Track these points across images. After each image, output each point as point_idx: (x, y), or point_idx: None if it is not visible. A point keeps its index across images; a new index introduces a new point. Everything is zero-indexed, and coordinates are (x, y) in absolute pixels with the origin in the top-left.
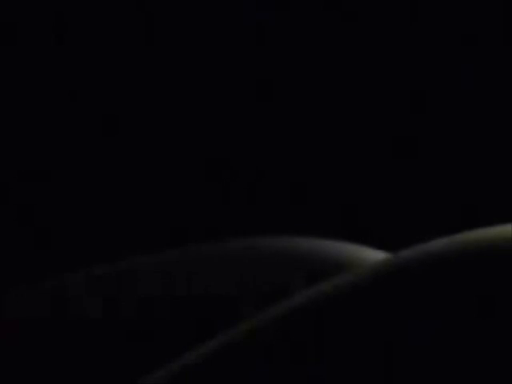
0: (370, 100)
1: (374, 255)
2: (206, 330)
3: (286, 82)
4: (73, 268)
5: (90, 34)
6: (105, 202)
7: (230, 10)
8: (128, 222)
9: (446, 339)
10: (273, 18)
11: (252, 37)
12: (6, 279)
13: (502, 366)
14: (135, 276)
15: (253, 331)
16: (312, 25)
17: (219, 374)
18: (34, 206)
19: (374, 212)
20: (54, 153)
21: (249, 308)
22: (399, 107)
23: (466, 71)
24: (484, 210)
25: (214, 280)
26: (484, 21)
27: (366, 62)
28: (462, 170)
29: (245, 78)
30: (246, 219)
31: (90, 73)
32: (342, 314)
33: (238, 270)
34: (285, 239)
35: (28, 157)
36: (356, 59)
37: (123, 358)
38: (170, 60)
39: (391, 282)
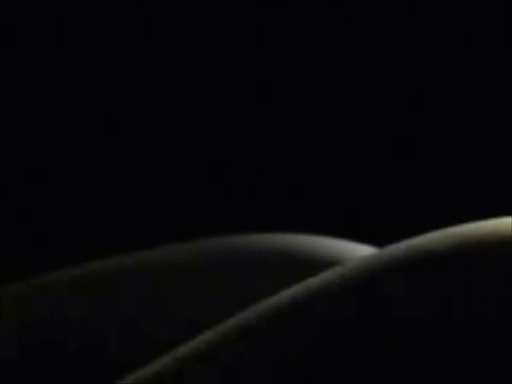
0: (370, 100)
1: (364, 251)
2: (196, 330)
3: (286, 82)
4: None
5: (90, 34)
6: (104, 201)
7: (230, 9)
8: (127, 221)
9: (439, 338)
10: (273, 18)
11: (252, 37)
12: (5, 278)
13: (499, 364)
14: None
15: (240, 329)
16: (312, 25)
17: (207, 371)
18: (34, 206)
19: (374, 212)
20: (53, 153)
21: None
22: (399, 107)
23: (466, 71)
24: (484, 210)
25: (201, 281)
26: (484, 21)
27: (365, 62)
28: (462, 169)
29: (245, 78)
30: (246, 219)
31: (90, 73)
32: (327, 311)
33: (224, 268)
34: (271, 236)
35: (28, 157)
36: (356, 59)
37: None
38: (169, 60)
39: (377, 277)
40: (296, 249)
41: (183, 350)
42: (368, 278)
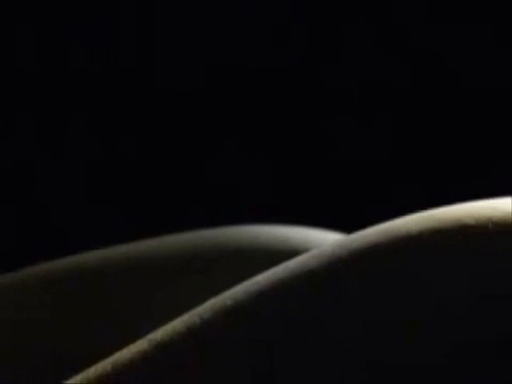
0: (370, 100)
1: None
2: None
3: (286, 81)
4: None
5: (90, 33)
6: (103, 201)
7: (230, 9)
8: (126, 221)
9: (416, 322)
10: (271, 18)
11: (251, 36)
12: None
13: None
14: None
15: (218, 311)
16: (312, 24)
17: (187, 354)
18: (34, 205)
19: (372, 211)
20: (52, 152)
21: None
22: (400, 107)
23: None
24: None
25: (180, 277)
26: (484, 20)
27: (365, 61)
28: (462, 169)
29: (245, 77)
30: (234, 216)
31: (90, 73)
32: (305, 294)
33: (191, 262)
34: (246, 228)
35: (26, 155)
36: (356, 59)
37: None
38: (169, 59)
39: (354, 261)
40: (270, 239)
41: (161, 333)
42: (346, 261)
